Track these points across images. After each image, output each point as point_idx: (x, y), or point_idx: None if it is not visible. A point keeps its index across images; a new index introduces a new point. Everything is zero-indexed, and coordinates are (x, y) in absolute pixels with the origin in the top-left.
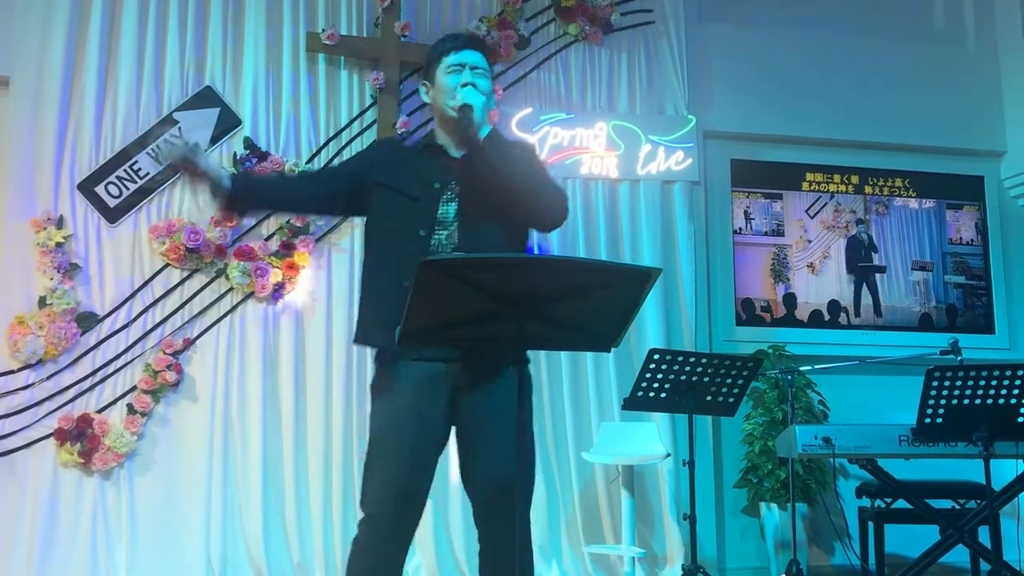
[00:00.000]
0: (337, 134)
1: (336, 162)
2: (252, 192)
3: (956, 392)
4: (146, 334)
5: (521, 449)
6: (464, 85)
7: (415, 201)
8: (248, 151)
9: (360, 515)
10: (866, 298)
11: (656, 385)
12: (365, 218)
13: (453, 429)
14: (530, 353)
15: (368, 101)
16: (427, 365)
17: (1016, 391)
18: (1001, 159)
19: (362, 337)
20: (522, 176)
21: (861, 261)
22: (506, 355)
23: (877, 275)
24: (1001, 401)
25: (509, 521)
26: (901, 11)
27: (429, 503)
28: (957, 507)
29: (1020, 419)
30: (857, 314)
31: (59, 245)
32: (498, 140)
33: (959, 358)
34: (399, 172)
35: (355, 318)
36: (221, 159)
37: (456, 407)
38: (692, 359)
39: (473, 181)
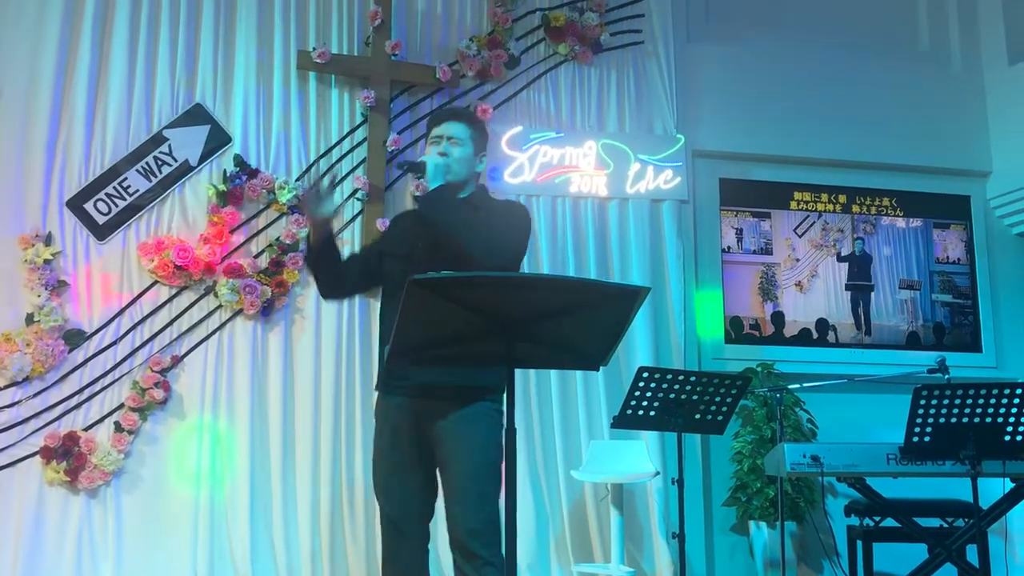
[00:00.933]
0: (327, 152)
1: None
2: (333, 250)
3: (944, 411)
4: (134, 351)
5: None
6: (442, 155)
7: (407, 257)
8: (238, 168)
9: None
10: (855, 317)
11: (645, 403)
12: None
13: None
14: (519, 372)
15: (358, 119)
16: (393, 399)
17: (1003, 410)
18: (987, 179)
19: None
20: (460, 236)
21: (860, 280)
22: (469, 391)
23: (868, 293)
24: (988, 420)
25: (474, 558)
26: (888, 33)
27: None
28: (945, 525)
29: (1007, 438)
30: (859, 329)
31: (47, 262)
32: (435, 197)
33: (946, 376)
34: (396, 236)
35: (345, 339)
36: (211, 176)
37: (425, 438)
38: (681, 377)
39: (424, 235)
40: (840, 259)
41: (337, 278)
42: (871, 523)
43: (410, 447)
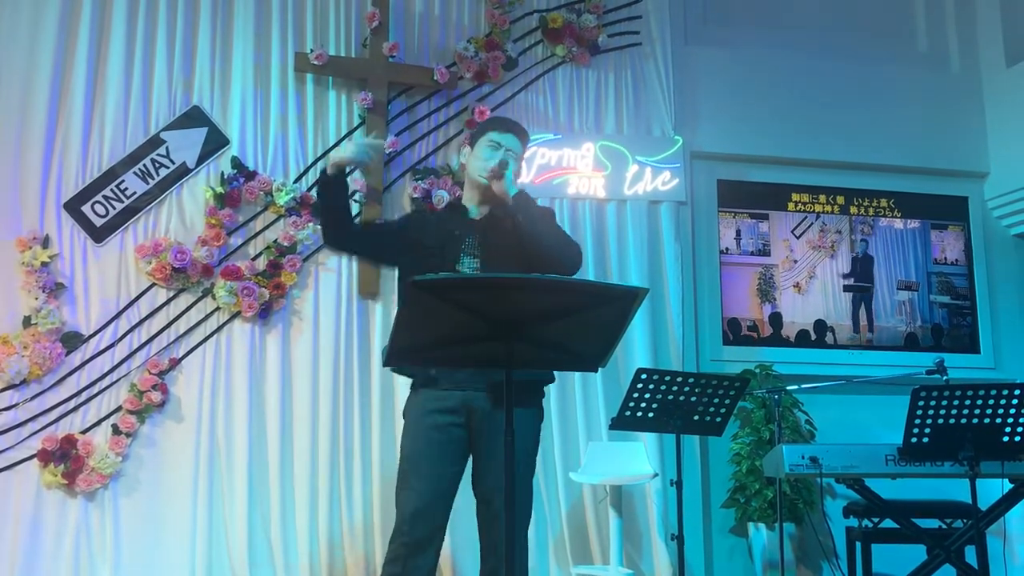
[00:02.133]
0: (325, 154)
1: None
2: (344, 188)
3: (942, 412)
4: (132, 354)
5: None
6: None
7: (440, 249)
8: (236, 170)
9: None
10: (857, 318)
11: (644, 405)
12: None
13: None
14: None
15: (356, 121)
16: (448, 394)
17: (1001, 410)
18: (984, 180)
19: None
20: (545, 231)
21: (863, 281)
22: (526, 393)
23: (865, 295)
24: (987, 421)
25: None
26: (886, 34)
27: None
28: (944, 526)
29: (1006, 438)
30: (856, 331)
31: (44, 264)
32: (526, 199)
33: (945, 378)
34: (426, 229)
35: (343, 341)
36: (209, 178)
37: (473, 436)
38: (679, 379)
39: (495, 237)
40: (854, 261)
41: (343, 219)
42: (870, 524)
43: (459, 441)
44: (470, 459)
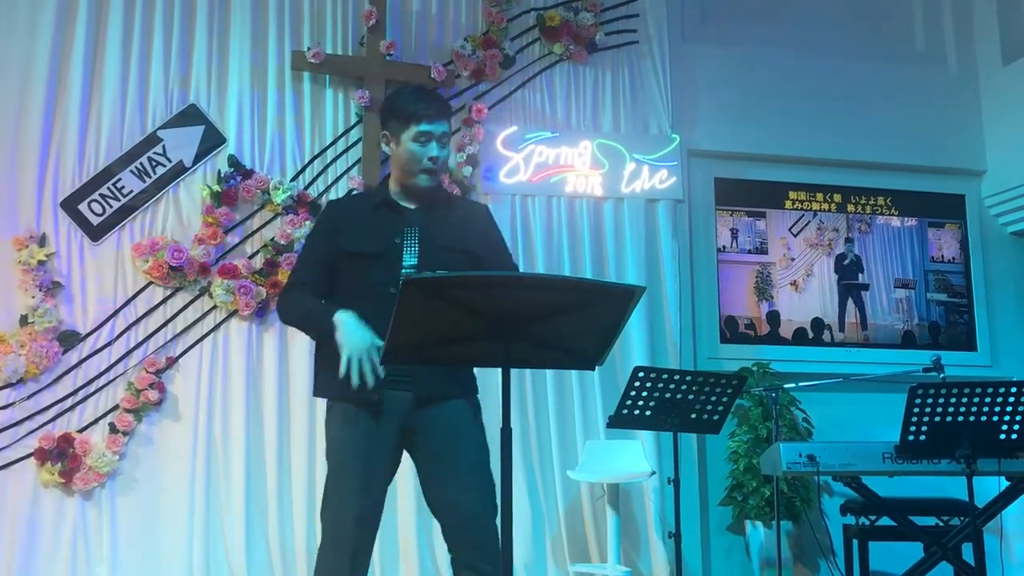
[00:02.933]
0: (322, 152)
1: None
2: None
3: (939, 409)
4: (128, 352)
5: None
6: (432, 159)
7: (379, 259)
8: (232, 169)
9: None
10: (851, 316)
11: (641, 403)
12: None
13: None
14: (514, 371)
15: (353, 119)
16: (394, 393)
17: (998, 408)
18: (981, 178)
19: (334, 390)
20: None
21: (847, 279)
22: (452, 385)
23: (862, 292)
24: (984, 418)
25: (486, 545)
26: (883, 32)
27: (414, 516)
28: (941, 524)
29: (1002, 436)
30: (841, 330)
31: (41, 263)
32: (435, 198)
33: (942, 375)
34: (360, 235)
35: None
36: (205, 177)
37: (408, 435)
38: (677, 377)
39: (435, 234)
40: (839, 262)
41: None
42: (867, 522)
43: (390, 442)
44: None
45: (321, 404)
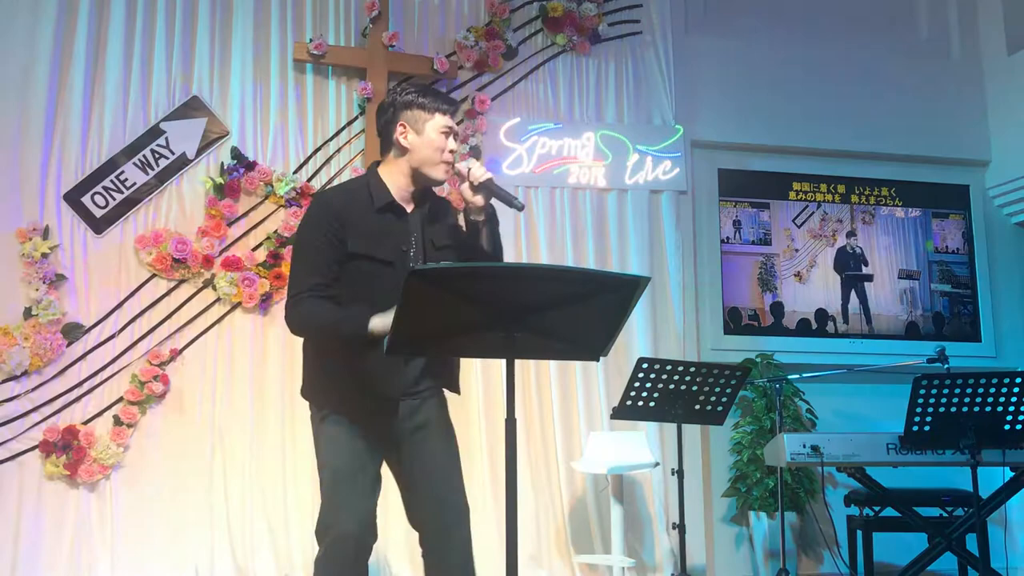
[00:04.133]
0: (324, 144)
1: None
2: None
3: (943, 400)
4: (132, 345)
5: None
6: (452, 151)
7: (391, 266)
8: (236, 161)
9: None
10: (854, 307)
11: (645, 394)
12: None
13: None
14: (518, 363)
15: (355, 111)
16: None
17: (1003, 399)
18: (986, 168)
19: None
20: (496, 248)
21: (850, 271)
22: (423, 383)
23: (865, 283)
24: (988, 409)
25: (461, 546)
26: (887, 22)
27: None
28: (945, 515)
29: (1007, 427)
30: (845, 321)
31: (45, 256)
32: (494, 217)
33: (946, 366)
34: (370, 238)
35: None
36: (209, 169)
37: (390, 435)
38: (680, 368)
39: (434, 235)
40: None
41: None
42: (871, 513)
43: (376, 449)
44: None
45: None
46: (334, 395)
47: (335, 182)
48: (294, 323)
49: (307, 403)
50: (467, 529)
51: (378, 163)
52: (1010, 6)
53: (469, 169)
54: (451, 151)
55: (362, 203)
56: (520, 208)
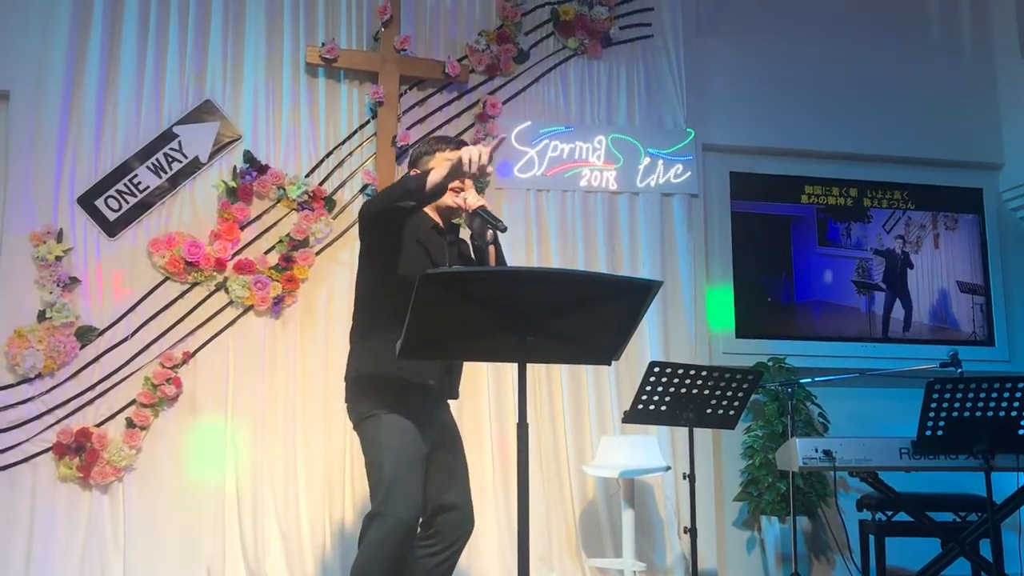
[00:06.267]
0: (336, 147)
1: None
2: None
3: (957, 405)
4: (145, 348)
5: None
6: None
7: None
8: (248, 164)
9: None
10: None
11: (656, 398)
12: (379, 260)
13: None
14: (530, 365)
15: (367, 115)
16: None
17: (1017, 404)
18: (999, 171)
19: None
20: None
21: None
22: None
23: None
24: (1002, 414)
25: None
26: (899, 24)
27: None
28: (958, 520)
29: (1021, 432)
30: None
31: (58, 259)
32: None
33: (959, 370)
34: (427, 248)
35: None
36: (221, 172)
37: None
38: (692, 372)
39: (458, 257)
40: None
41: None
42: (883, 517)
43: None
44: None
45: (336, 399)
46: (389, 386)
47: (347, 186)
48: (371, 205)
49: (341, 398)
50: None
51: None
52: (1023, 7)
53: (465, 199)
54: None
55: (420, 220)
56: (503, 230)
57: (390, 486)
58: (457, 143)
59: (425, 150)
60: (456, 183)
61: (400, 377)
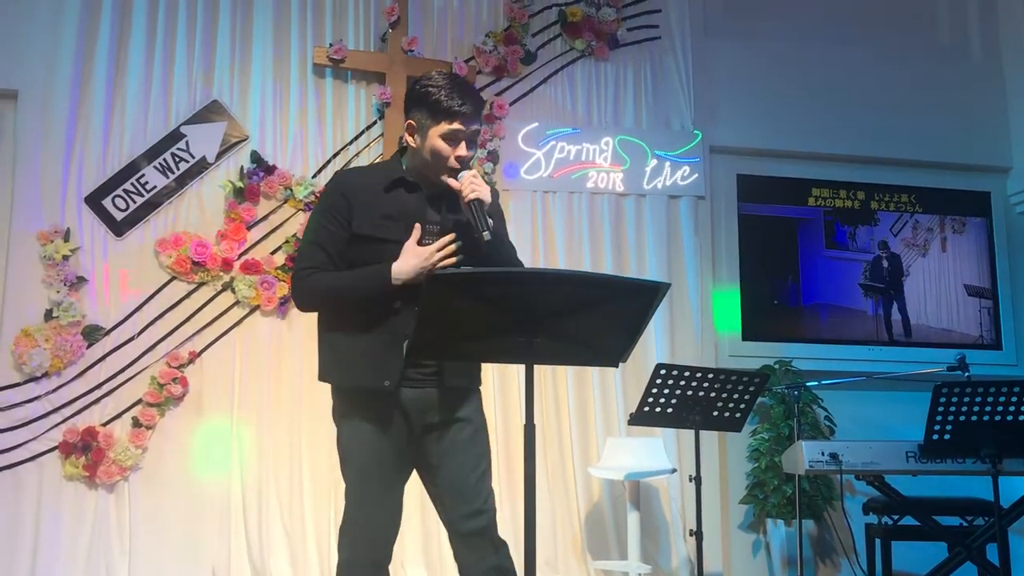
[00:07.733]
0: (343, 148)
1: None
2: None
3: (964, 408)
4: (152, 347)
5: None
6: (460, 158)
7: (398, 245)
8: (255, 165)
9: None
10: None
11: (663, 400)
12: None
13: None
14: (536, 368)
15: (375, 116)
16: (407, 392)
17: None
18: (1007, 175)
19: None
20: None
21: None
22: (454, 376)
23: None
24: (1009, 418)
25: (495, 548)
26: (907, 27)
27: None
28: (965, 524)
29: None
30: (888, 332)
31: (66, 258)
32: (498, 208)
33: (966, 374)
34: (379, 219)
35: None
36: (228, 172)
37: (414, 434)
38: (699, 374)
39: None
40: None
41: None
42: (890, 521)
43: (403, 451)
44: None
45: None
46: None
47: None
48: (302, 295)
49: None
50: None
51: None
52: None
53: (462, 185)
54: (459, 157)
55: (374, 183)
56: (479, 236)
57: (347, 522)
58: (465, 109)
59: (429, 110)
60: (455, 159)
61: (353, 386)
